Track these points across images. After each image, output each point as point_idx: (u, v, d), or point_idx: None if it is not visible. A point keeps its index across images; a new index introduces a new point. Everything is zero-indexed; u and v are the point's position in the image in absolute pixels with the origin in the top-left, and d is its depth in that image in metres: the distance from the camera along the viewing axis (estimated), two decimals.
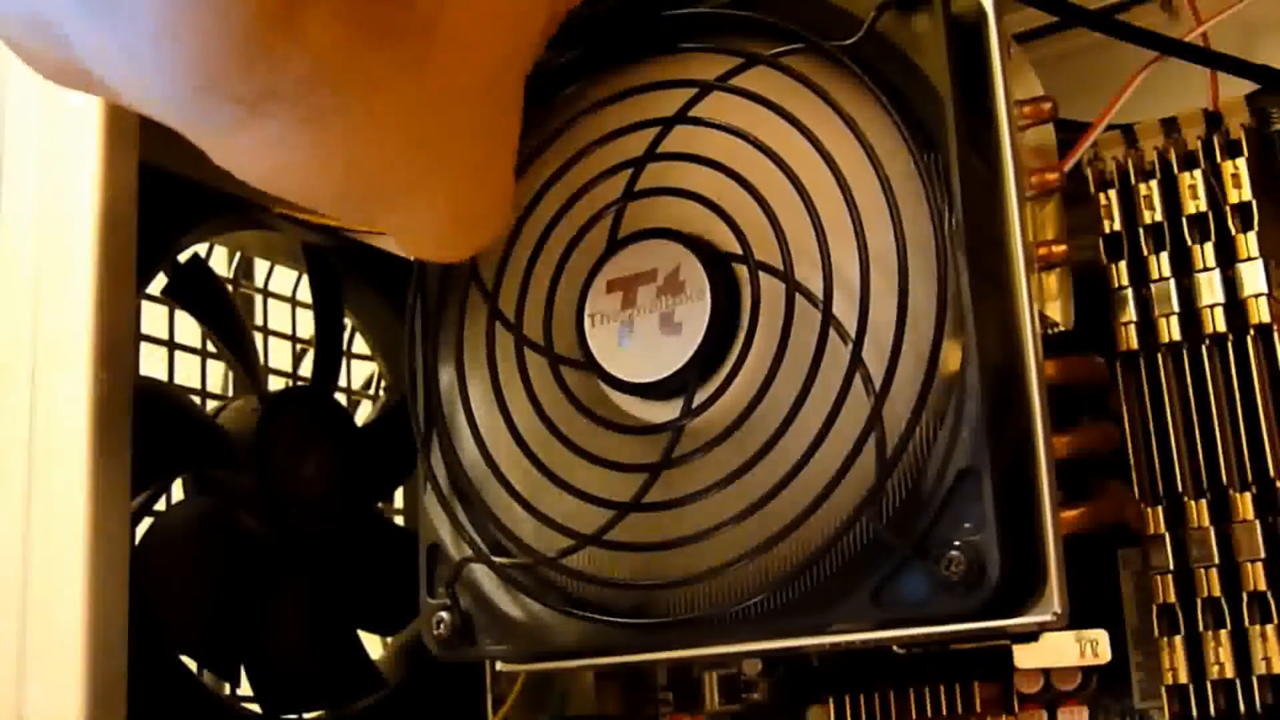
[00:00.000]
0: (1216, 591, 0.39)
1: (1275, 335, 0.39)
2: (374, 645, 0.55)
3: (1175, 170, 0.41)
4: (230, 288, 0.55)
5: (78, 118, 0.41)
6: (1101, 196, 0.42)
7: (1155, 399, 0.41)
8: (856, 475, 0.34)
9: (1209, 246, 0.40)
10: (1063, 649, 0.38)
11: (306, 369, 0.55)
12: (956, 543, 0.33)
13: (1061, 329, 0.39)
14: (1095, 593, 0.38)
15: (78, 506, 0.38)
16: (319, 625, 0.50)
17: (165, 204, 0.44)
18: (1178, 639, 0.39)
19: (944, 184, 0.34)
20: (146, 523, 0.47)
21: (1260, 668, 0.38)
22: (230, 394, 0.56)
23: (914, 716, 0.44)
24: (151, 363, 0.50)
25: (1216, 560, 0.39)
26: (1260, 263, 0.40)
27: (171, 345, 0.52)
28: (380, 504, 0.58)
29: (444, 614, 0.40)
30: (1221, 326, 0.40)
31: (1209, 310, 0.40)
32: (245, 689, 0.49)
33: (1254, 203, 0.40)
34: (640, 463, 0.37)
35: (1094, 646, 0.38)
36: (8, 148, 0.42)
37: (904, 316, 0.34)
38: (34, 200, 0.42)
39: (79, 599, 0.38)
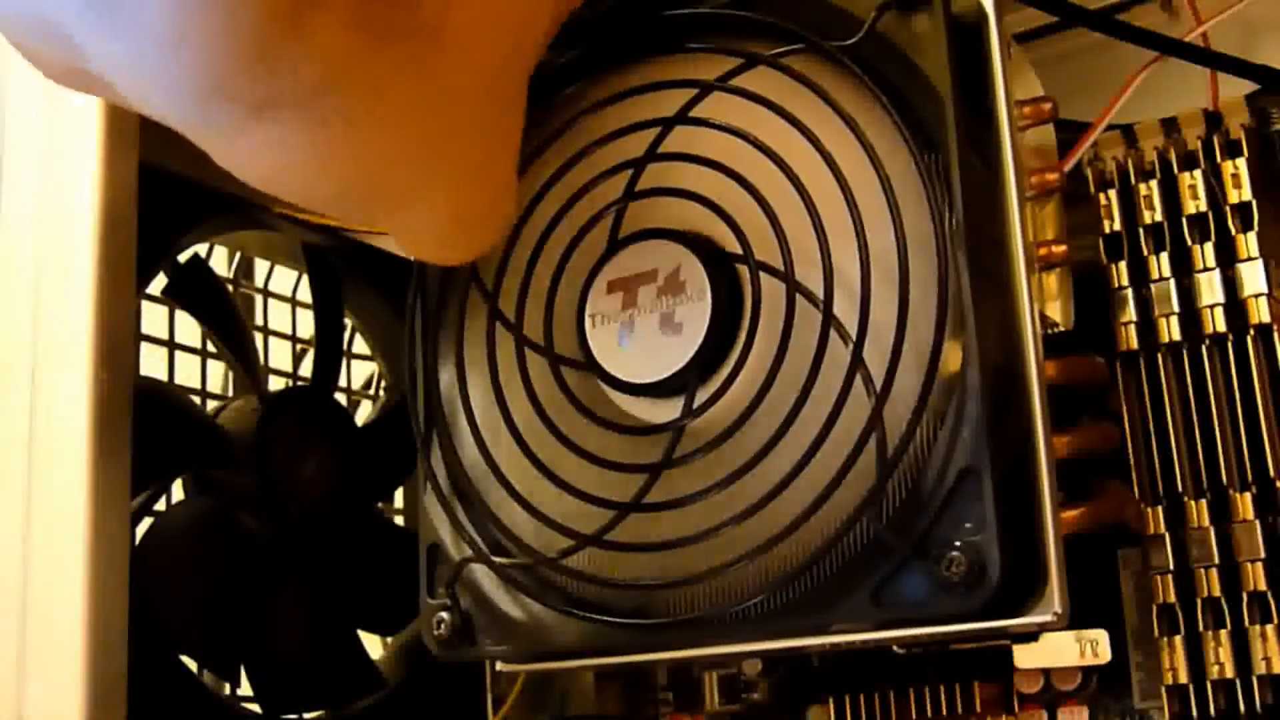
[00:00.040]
0: (1216, 591, 0.39)
1: (1275, 335, 0.39)
2: (374, 645, 0.55)
3: (1175, 170, 0.41)
4: (230, 288, 0.55)
5: (78, 118, 0.41)
6: (1101, 196, 0.42)
7: (1155, 399, 0.41)
8: (857, 475, 0.34)
9: (1209, 246, 0.40)
10: (1063, 649, 0.38)
11: (306, 369, 0.55)
12: (957, 543, 0.33)
13: (1061, 329, 0.39)
14: (1095, 593, 0.38)
15: (78, 506, 0.38)
16: (319, 625, 0.50)
17: (165, 204, 0.44)
18: (1178, 639, 0.39)
19: (944, 184, 0.34)
20: (146, 523, 0.47)
21: (1260, 668, 0.38)
22: (230, 394, 0.56)
23: (914, 716, 0.44)
24: (151, 363, 0.50)
25: (1216, 560, 0.39)
26: (1260, 263, 0.40)
27: (171, 345, 0.52)
28: (380, 504, 0.58)
29: (444, 614, 0.40)
30: (1221, 326, 0.40)
31: (1209, 310, 0.40)
32: (245, 689, 0.49)
33: (1254, 203, 0.40)
34: (641, 463, 0.37)
35: (1094, 646, 0.38)
36: (8, 148, 0.42)
37: (904, 317, 0.34)
38: (34, 200, 0.42)
39: (79, 599, 0.38)
